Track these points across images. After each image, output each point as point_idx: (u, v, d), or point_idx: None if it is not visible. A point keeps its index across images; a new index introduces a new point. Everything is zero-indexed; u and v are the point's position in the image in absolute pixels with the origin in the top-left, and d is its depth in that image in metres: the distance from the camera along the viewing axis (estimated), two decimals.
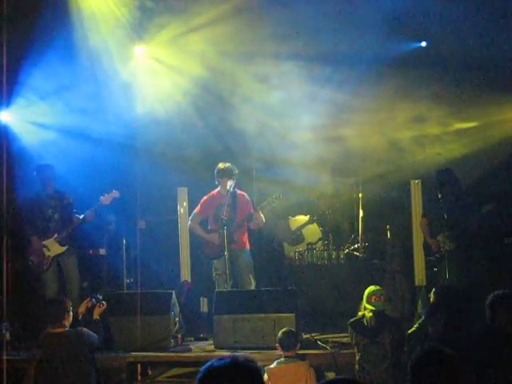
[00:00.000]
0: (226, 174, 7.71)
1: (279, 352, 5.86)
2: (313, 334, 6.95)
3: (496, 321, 4.57)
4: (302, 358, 5.92)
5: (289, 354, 5.75)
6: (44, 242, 7.68)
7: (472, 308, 4.99)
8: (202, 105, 8.87)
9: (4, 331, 7.08)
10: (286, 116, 8.80)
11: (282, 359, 5.76)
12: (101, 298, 6.42)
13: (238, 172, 7.78)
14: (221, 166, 7.79)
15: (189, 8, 8.07)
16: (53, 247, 7.68)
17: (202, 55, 8.44)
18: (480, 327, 4.72)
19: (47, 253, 7.68)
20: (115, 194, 7.68)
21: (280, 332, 5.84)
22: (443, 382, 3.09)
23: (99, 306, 6.34)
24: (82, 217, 7.65)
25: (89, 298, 6.43)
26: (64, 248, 7.70)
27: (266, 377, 5.70)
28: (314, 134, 8.75)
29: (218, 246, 7.62)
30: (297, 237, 9.15)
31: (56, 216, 7.77)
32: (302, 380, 5.55)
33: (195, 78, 8.63)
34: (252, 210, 7.75)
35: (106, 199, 7.65)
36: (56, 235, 7.69)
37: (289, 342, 5.75)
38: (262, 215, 7.69)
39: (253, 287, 7.62)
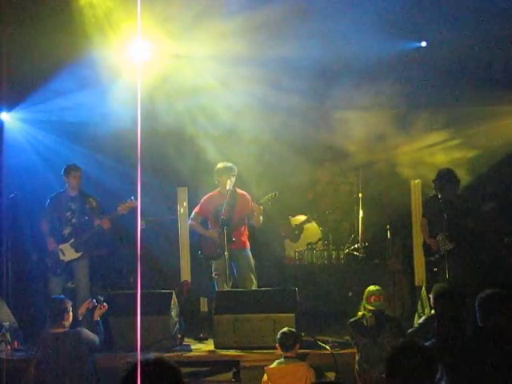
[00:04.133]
0: (226, 173, 7.70)
1: (279, 352, 5.86)
2: (313, 334, 6.94)
3: (486, 321, 4.55)
4: (302, 358, 5.93)
5: (289, 354, 5.75)
6: (60, 247, 7.55)
7: (469, 308, 4.98)
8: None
9: (4, 331, 7.08)
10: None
11: (282, 359, 5.76)
12: (102, 299, 6.43)
13: (237, 171, 7.77)
14: (220, 165, 7.78)
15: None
16: (68, 252, 7.55)
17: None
18: (472, 328, 4.70)
19: (62, 257, 7.55)
20: (133, 203, 7.33)
21: (280, 332, 5.84)
22: (417, 373, 3.20)
23: (100, 308, 6.34)
24: (100, 223, 7.49)
25: (90, 299, 6.44)
26: (79, 254, 7.55)
27: (265, 377, 5.71)
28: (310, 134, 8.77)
29: (217, 246, 7.61)
30: (299, 232, 9.16)
31: (73, 220, 7.61)
32: (302, 380, 5.55)
33: (190, 75, 8.63)
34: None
35: (123, 209, 7.40)
36: (72, 240, 7.55)
37: (288, 343, 5.75)
38: (260, 207, 7.61)
39: (255, 287, 7.62)
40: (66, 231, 7.61)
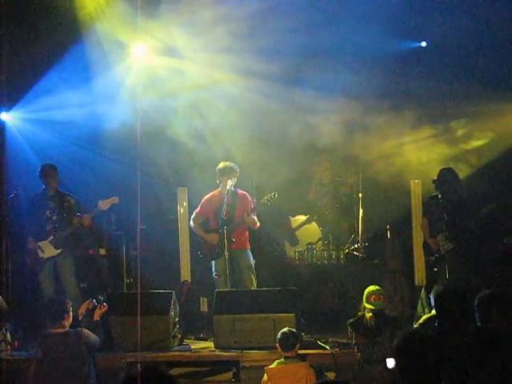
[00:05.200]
0: (227, 173, 7.69)
1: (279, 352, 5.86)
2: (313, 334, 6.94)
3: (485, 321, 4.55)
4: (302, 358, 5.92)
5: (289, 354, 5.75)
6: (39, 244, 7.64)
7: (470, 308, 4.97)
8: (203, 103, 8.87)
9: (4, 331, 7.07)
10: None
11: (282, 359, 5.76)
12: (102, 299, 6.43)
13: (239, 171, 7.76)
14: (221, 165, 7.77)
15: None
16: (47, 249, 7.64)
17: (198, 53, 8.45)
18: (472, 328, 4.70)
19: (41, 254, 7.64)
20: (114, 200, 7.60)
21: (280, 332, 5.84)
22: (423, 361, 3.31)
23: (100, 308, 6.34)
24: (79, 220, 7.60)
25: (90, 299, 6.43)
26: (58, 251, 7.64)
27: (265, 377, 5.70)
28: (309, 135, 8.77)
29: (216, 246, 7.61)
30: (297, 235, 9.16)
31: (54, 218, 7.71)
32: (302, 380, 5.55)
33: (193, 77, 8.63)
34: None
35: (104, 205, 7.58)
36: (52, 237, 7.65)
37: (289, 342, 5.75)
38: (254, 218, 7.64)
39: (254, 287, 7.61)
40: (48, 228, 7.70)
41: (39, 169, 7.84)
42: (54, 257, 7.64)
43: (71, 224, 7.68)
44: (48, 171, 7.79)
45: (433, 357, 3.34)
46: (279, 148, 8.94)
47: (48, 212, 7.72)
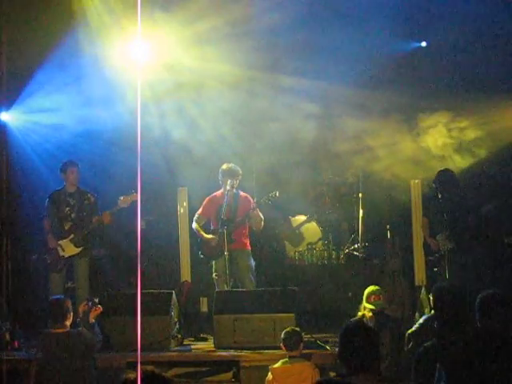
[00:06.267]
0: (229, 174, 7.69)
1: (279, 352, 5.86)
2: (313, 334, 6.94)
3: (486, 321, 4.54)
4: (307, 357, 5.92)
5: (293, 353, 5.75)
6: (59, 242, 7.57)
7: (469, 309, 4.97)
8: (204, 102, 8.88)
9: (4, 331, 7.07)
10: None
11: (287, 359, 5.76)
12: (97, 301, 6.36)
13: (241, 173, 7.76)
14: (225, 166, 7.77)
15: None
16: (67, 248, 7.56)
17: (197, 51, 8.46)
18: (472, 328, 4.70)
19: (61, 253, 7.56)
20: (135, 196, 7.37)
21: (283, 332, 5.84)
22: (363, 348, 3.66)
23: (95, 310, 6.29)
24: (99, 218, 7.51)
25: (85, 301, 6.40)
26: (79, 249, 7.57)
27: (270, 376, 5.70)
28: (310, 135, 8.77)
29: (216, 246, 7.60)
30: (297, 235, 9.16)
31: (73, 215, 7.63)
32: (308, 380, 5.55)
33: (193, 76, 8.64)
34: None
35: (124, 201, 7.42)
36: (72, 236, 7.57)
37: (292, 342, 5.75)
38: (259, 213, 7.64)
39: (253, 288, 7.61)
40: (66, 227, 7.63)
41: (61, 165, 7.72)
42: (74, 255, 7.55)
43: (91, 222, 7.60)
44: (67, 167, 7.67)
45: (371, 345, 3.69)
46: (279, 148, 8.95)
47: (67, 209, 7.63)
